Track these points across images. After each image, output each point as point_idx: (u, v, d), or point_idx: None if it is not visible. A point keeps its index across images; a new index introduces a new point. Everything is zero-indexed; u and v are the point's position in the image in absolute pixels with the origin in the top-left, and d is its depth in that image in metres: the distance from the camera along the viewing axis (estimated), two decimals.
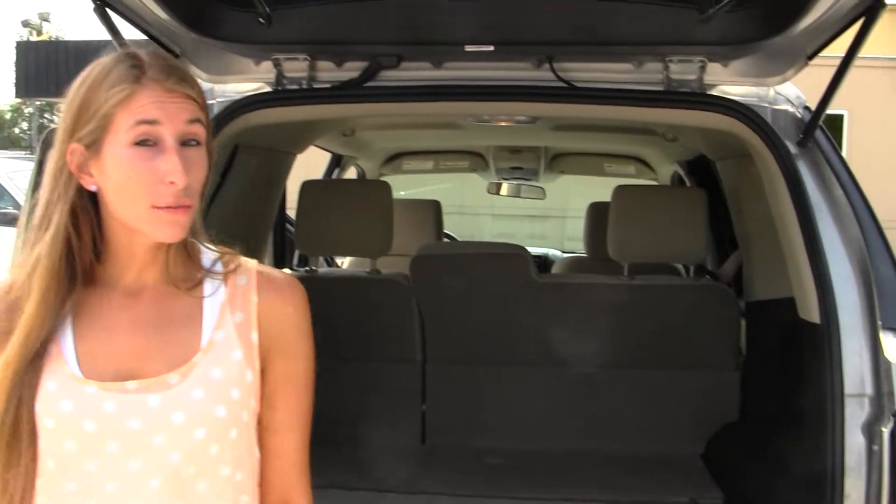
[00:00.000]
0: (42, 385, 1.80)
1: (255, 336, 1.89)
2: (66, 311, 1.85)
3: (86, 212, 1.83)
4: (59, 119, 1.83)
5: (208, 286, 1.91)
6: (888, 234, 3.32)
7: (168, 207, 1.76)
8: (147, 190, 1.75)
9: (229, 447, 1.85)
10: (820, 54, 3.19)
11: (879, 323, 3.01)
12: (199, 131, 1.81)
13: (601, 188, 6.30)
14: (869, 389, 2.94)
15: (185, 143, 1.78)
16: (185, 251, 1.93)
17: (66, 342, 1.84)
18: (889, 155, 23.16)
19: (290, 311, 1.94)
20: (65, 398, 1.79)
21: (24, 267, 1.84)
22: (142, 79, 1.76)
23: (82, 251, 1.84)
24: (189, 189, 1.78)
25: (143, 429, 1.79)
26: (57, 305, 1.82)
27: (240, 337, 1.88)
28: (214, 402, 1.81)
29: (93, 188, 1.81)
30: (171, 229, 1.79)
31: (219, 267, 1.93)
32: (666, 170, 6.73)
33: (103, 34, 3.12)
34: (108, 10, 3.04)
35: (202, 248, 1.95)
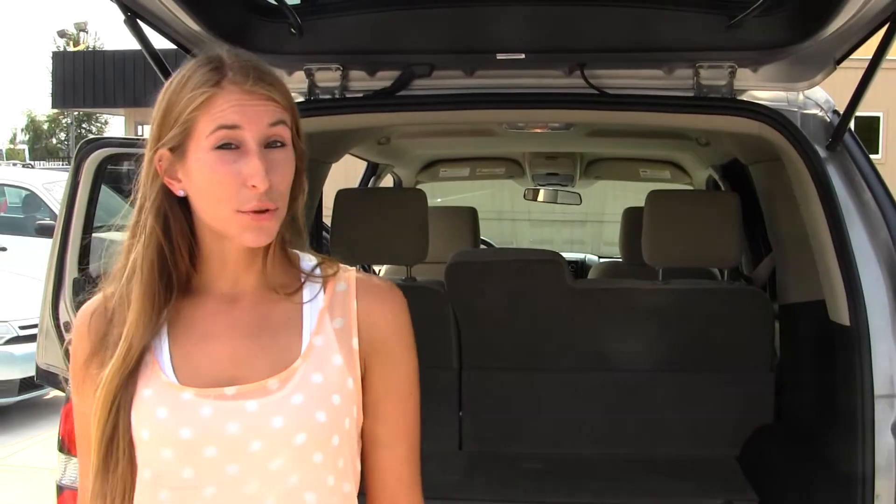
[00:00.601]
0: (138, 394, 1.80)
1: (355, 342, 1.87)
2: (162, 320, 1.84)
3: (177, 218, 1.82)
4: (149, 125, 1.82)
5: (307, 292, 1.89)
6: None
7: (252, 212, 1.74)
8: (230, 194, 1.73)
9: (332, 455, 1.82)
10: (851, 57, 3.20)
11: None
12: (283, 132, 1.78)
13: (639, 193, 6.30)
14: None
15: (269, 144, 1.76)
16: (285, 257, 1.91)
17: (162, 350, 1.83)
18: None
19: (389, 318, 1.92)
20: (160, 405, 1.78)
21: (122, 273, 1.85)
22: (222, 82, 1.74)
23: (176, 258, 1.83)
24: (273, 191, 1.74)
25: (241, 434, 1.76)
26: (155, 315, 1.81)
27: (340, 343, 1.85)
28: (315, 406, 1.79)
29: (181, 193, 1.80)
30: (255, 234, 1.76)
31: (318, 273, 1.91)
32: (701, 174, 6.71)
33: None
34: (139, 21, 3.07)
35: (301, 254, 1.94)
